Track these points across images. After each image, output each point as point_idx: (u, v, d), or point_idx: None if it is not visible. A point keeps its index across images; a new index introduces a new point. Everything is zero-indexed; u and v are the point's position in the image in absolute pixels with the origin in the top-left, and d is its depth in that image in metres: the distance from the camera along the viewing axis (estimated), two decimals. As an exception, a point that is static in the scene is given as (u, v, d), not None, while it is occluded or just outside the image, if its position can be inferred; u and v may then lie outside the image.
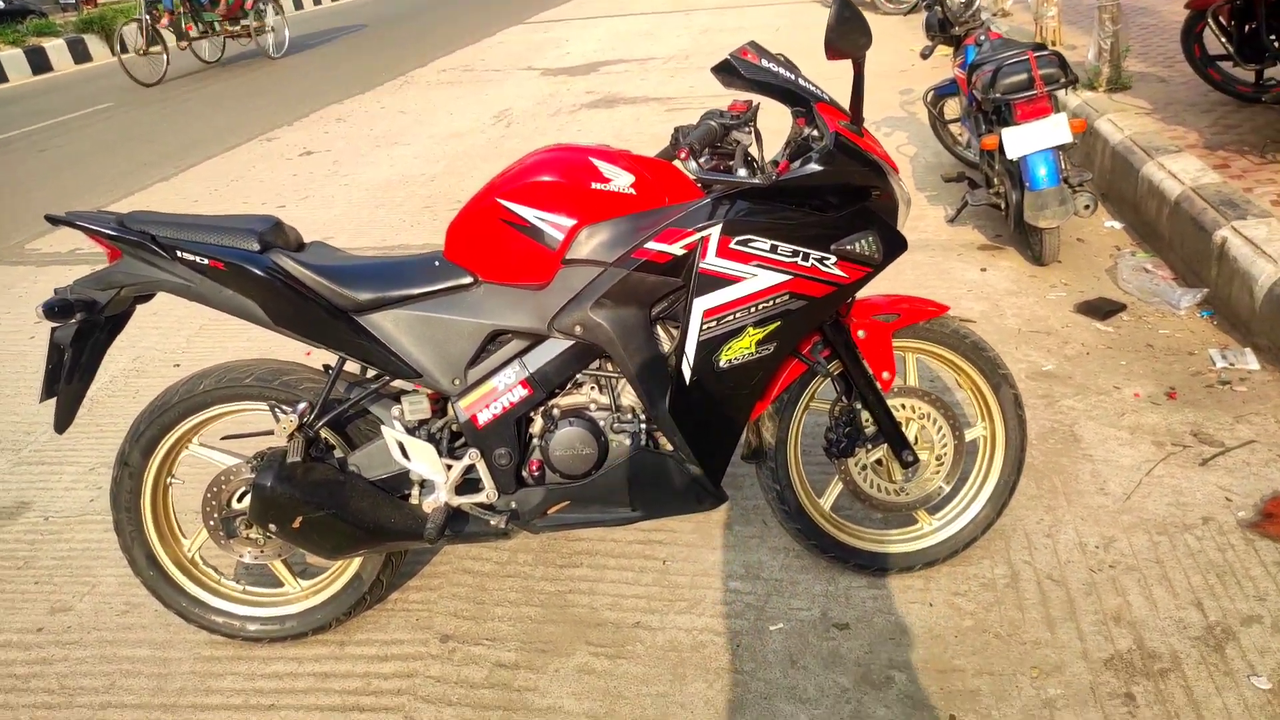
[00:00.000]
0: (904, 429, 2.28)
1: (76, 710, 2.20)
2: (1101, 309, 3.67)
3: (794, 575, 2.41)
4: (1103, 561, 2.34)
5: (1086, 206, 3.92)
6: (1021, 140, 3.84)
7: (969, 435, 2.36)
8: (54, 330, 2.08)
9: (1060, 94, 3.99)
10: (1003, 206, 4.27)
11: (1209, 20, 5.02)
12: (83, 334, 2.11)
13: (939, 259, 4.31)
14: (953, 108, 5.29)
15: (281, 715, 2.13)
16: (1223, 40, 5.02)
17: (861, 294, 2.20)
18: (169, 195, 6.75)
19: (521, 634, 2.30)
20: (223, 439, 2.34)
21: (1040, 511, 2.55)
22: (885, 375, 2.22)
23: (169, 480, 2.29)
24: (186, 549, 2.32)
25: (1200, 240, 3.71)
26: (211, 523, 2.22)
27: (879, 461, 2.32)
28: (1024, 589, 2.28)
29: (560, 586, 2.45)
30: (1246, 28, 4.89)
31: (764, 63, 2.02)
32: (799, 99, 2.06)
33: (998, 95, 3.87)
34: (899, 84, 7.57)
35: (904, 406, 2.29)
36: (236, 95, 10.85)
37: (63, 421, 2.18)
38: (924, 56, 5.04)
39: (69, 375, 2.12)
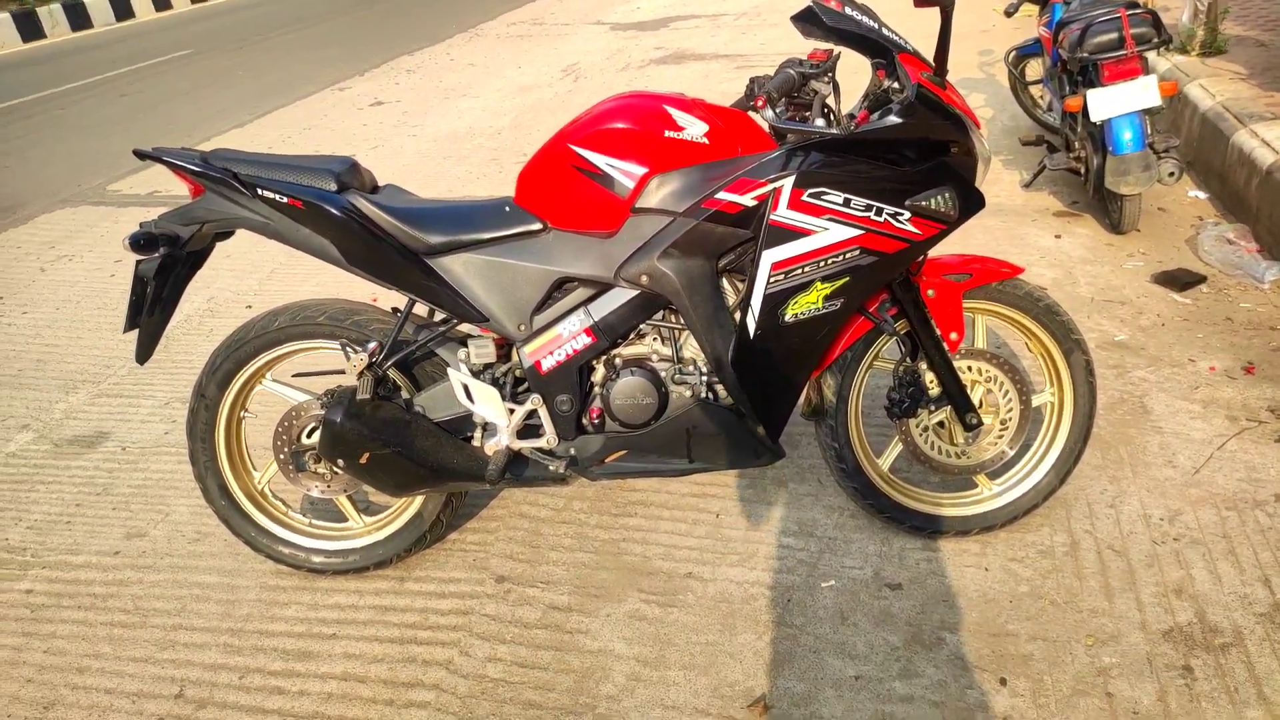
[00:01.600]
0: (969, 391, 2.25)
1: (150, 630, 2.31)
2: (1180, 280, 3.55)
3: (848, 534, 2.41)
4: (1167, 534, 2.29)
5: (1171, 174, 3.78)
6: (1108, 102, 3.71)
7: (1036, 401, 2.32)
8: (138, 263, 2.15)
9: (1151, 55, 3.84)
10: (1082, 171, 4.13)
11: (1315, -20, 4.76)
12: (165, 268, 2.18)
13: (1012, 224, 4.21)
14: (1035, 69, 5.13)
15: (342, 645, 2.21)
16: (1328, 2, 4.75)
17: (933, 252, 2.16)
18: (243, 141, 6.89)
19: (575, 578, 2.35)
20: (295, 376, 2.40)
21: (1105, 481, 2.50)
22: (953, 336, 2.19)
23: (243, 414, 2.36)
24: (257, 481, 2.40)
25: (1291, 212, 3.56)
26: (282, 456, 2.30)
27: (941, 424, 2.30)
28: (1083, 558, 2.25)
29: (614, 534, 2.49)
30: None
31: (847, 10, 1.98)
32: (881, 49, 2.01)
33: (1085, 54, 3.72)
34: (980, 44, 7.34)
35: (970, 369, 2.25)
36: (310, 45, 10.98)
37: (144, 352, 2.26)
38: (1008, 14, 4.87)
39: (151, 308, 2.20)
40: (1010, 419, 2.28)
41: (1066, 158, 4.22)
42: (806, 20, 1.99)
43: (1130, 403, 2.83)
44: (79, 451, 3.12)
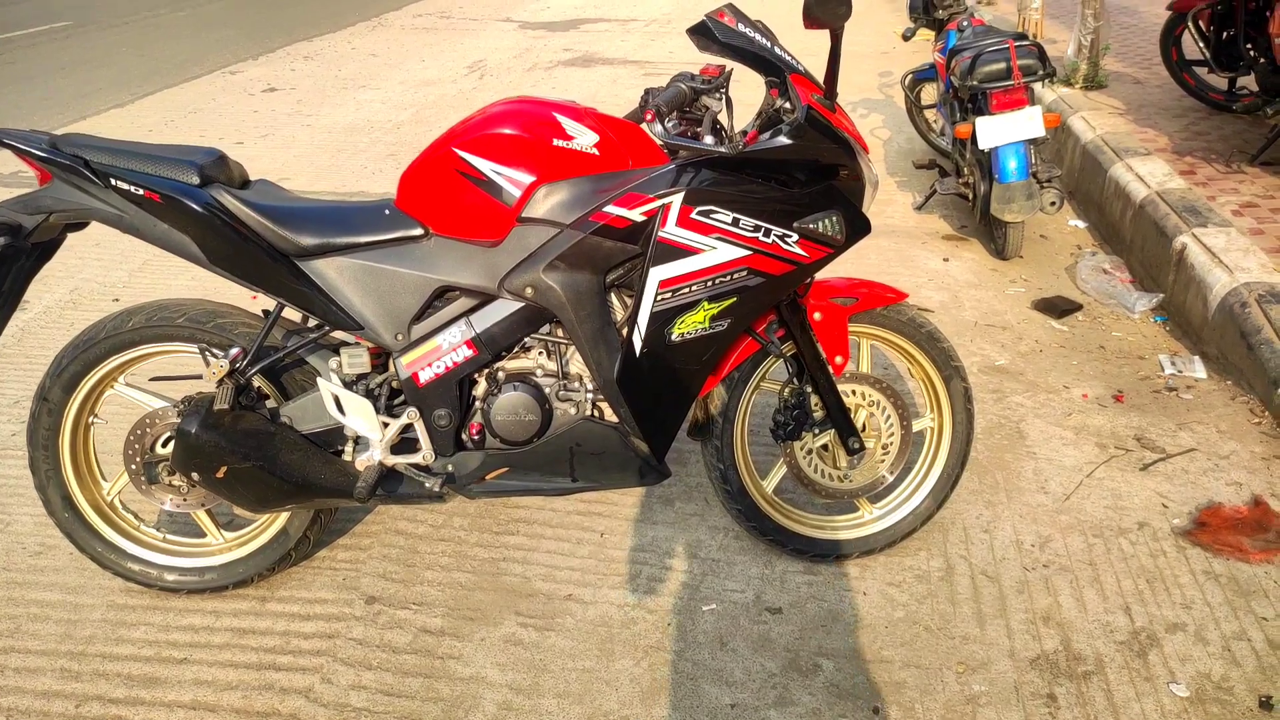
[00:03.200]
0: (853, 415, 2.25)
1: (-21, 652, 2.12)
2: (1058, 307, 3.68)
3: (731, 556, 2.39)
4: (1037, 560, 2.35)
5: (1053, 203, 3.91)
6: (995, 131, 3.82)
7: (916, 426, 2.34)
8: (-28, 255, 1.97)
9: (1037, 87, 3.97)
10: (970, 197, 4.25)
11: (1189, 24, 5.03)
12: (5, 259, 2.00)
13: (903, 245, 4.29)
14: (930, 93, 5.25)
15: (194, 670, 2.06)
16: (1200, 45, 5.02)
17: (821, 275, 2.16)
18: (123, 122, 6.51)
19: (450, 600, 2.25)
20: (151, 380, 2.24)
21: (980, 506, 2.55)
22: (838, 360, 2.19)
23: (91, 419, 2.19)
24: (106, 492, 2.23)
25: (1160, 245, 3.73)
26: (133, 467, 2.13)
27: (825, 446, 2.30)
28: (958, 583, 2.28)
29: (494, 554, 2.40)
30: (1225, 34, 4.90)
31: (740, 27, 1.95)
32: (774, 68, 2.00)
33: (975, 83, 3.83)
34: (879, 65, 7.52)
35: (854, 393, 2.26)
36: (202, 24, 10.50)
37: (-20, 350, 2.07)
38: (905, 38, 4.98)
39: None
40: (892, 443, 2.30)
41: (956, 182, 4.34)
42: (701, 34, 1.96)
43: (1007, 428, 2.90)
44: (-90, 453, 2.86)
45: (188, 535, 2.29)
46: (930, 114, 5.26)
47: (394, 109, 6.75)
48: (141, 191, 1.93)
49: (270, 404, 2.14)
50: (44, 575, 2.35)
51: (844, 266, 4.00)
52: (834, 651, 2.09)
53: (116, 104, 7.01)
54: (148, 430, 2.12)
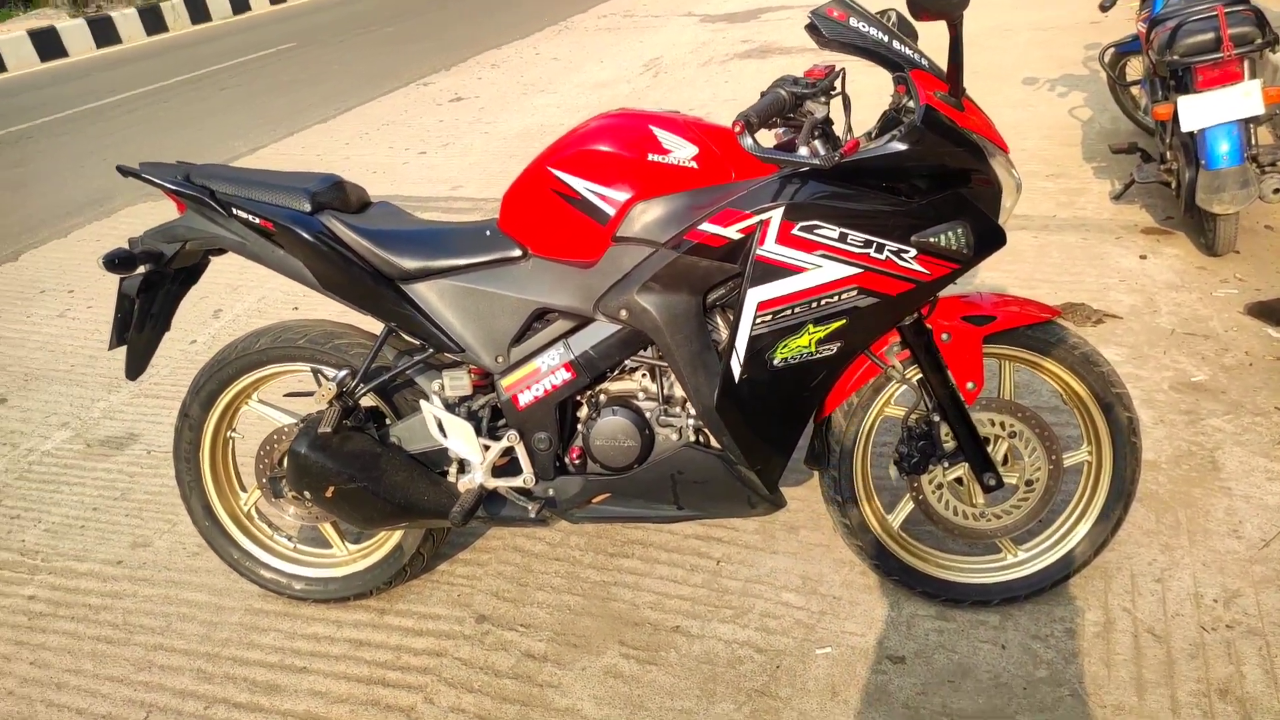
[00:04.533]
0: (990, 448, 2.01)
1: (132, 648, 2.30)
2: (1278, 312, 3.17)
3: (855, 594, 2.20)
4: (1219, 619, 2.01)
5: (1276, 190, 3.38)
6: (1200, 110, 3.34)
7: (1070, 460, 2.06)
8: (121, 280, 2.12)
9: (1258, 57, 3.43)
10: (1174, 185, 3.75)
11: None
12: (152, 284, 2.15)
13: (1094, 241, 3.86)
14: (1136, 68, 4.71)
15: (310, 680, 2.14)
16: None
17: (963, 288, 1.93)
18: (322, 137, 7.00)
19: (557, 623, 2.22)
20: (285, 396, 2.35)
21: (1155, 550, 2.22)
22: (970, 386, 1.96)
23: (230, 434, 2.32)
24: (243, 503, 2.36)
25: None
26: (263, 480, 2.24)
27: (959, 480, 2.07)
28: (1117, 641, 1.99)
29: (606, 577, 2.34)
30: None
31: (852, 21, 1.77)
32: (894, 64, 1.81)
33: (1176, 57, 3.36)
34: (1086, 37, 6.86)
35: (992, 422, 2.02)
36: (404, 39, 11.15)
37: (134, 369, 2.24)
38: (1103, 9, 4.47)
39: (140, 324, 2.17)
40: (1038, 479, 2.03)
41: (1158, 169, 3.84)
42: (813, 31, 1.80)
43: (1198, 456, 2.52)
44: (107, 453, 3.17)
45: (316, 546, 2.39)
46: (1136, 91, 4.71)
47: (567, 113, 6.85)
48: (258, 220, 2.01)
49: (386, 422, 2.18)
50: (197, 576, 2.52)
51: (1018, 266, 3.65)
52: (960, 712, 1.88)
53: (321, 119, 7.55)
54: (274, 446, 2.22)
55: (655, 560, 2.38)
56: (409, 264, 2.01)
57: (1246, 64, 3.33)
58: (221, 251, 2.18)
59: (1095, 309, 3.29)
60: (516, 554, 2.46)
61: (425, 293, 2.02)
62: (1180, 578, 2.13)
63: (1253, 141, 3.41)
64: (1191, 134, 3.44)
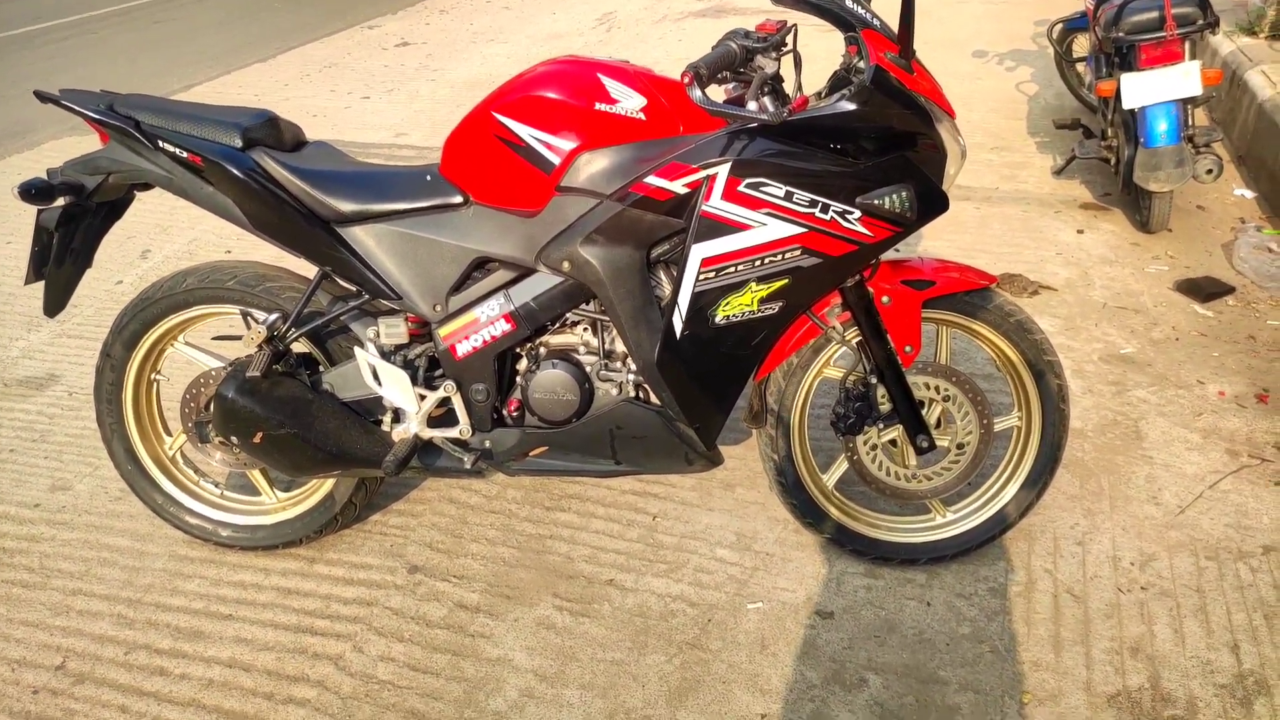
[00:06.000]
0: (924, 411, 2.04)
1: (49, 592, 2.23)
2: (1205, 290, 3.26)
3: (787, 551, 2.23)
4: (1134, 581, 2.08)
5: (1209, 171, 3.47)
6: (1142, 89, 3.40)
7: (1000, 425, 2.10)
8: (39, 212, 2.03)
9: (1199, 38, 3.49)
10: (1113, 161, 3.82)
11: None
12: (72, 217, 2.05)
13: (1034, 215, 3.92)
14: (1083, 44, 4.77)
15: (235, 627, 2.10)
16: None
17: (905, 253, 1.94)
18: (261, 76, 6.76)
19: (490, 575, 2.21)
20: (213, 339, 2.27)
21: (1078, 514, 2.28)
22: (908, 349, 1.98)
23: (154, 376, 2.24)
24: (168, 447, 2.29)
25: (1337, 222, 3.24)
26: (189, 425, 2.18)
27: (893, 442, 2.10)
28: (1037, 601, 2.05)
29: (542, 530, 2.34)
30: None
31: (804, -23, 1.75)
32: (846, 23, 1.79)
33: (1121, 34, 3.41)
34: (1037, 12, 6.92)
35: (927, 385, 2.04)
36: (351, -22, 10.77)
37: (53, 305, 2.14)
38: (1054, -16, 4.51)
39: (59, 259, 2.08)
40: (969, 443, 2.07)
41: (1099, 145, 3.91)
42: None
43: (1123, 426, 2.59)
44: (25, 394, 3.05)
45: (244, 493, 2.33)
46: (1081, 68, 4.78)
47: (517, 63, 6.71)
48: (185, 154, 1.92)
49: (319, 369, 2.13)
50: (119, 520, 2.45)
51: (960, 236, 3.69)
52: (884, 666, 1.92)
53: (261, 58, 7.28)
54: (201, 390, 2.15)
55: (591, 515, 2.38)
56: (345, 206, 1.95)
57: (1188, 44, 3.39)
58: (148, 186, 2.09)
59: (1032, 280, 3.35)
60: (451, 505, 2.44)
61: (362, 237, 1.96)
62: (1100, 541, 2.20)
63: (1190, 122, 3.48)
64: (1132, 112, 3.50)
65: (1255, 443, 2.50)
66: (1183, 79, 3.34)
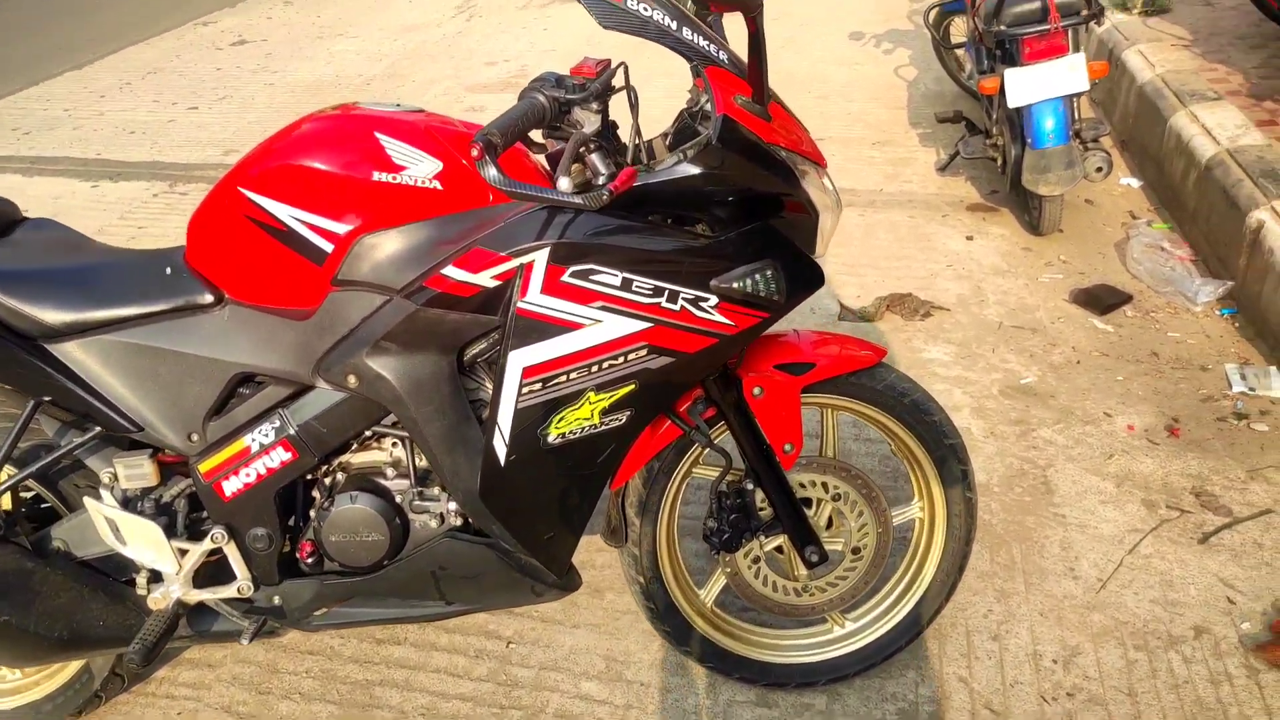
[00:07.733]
0: (812, 513, 1.71)
1: None
2: (1102, 300, 3.05)
3: (666, 677, 1.88)
4: (1059, 686, 1.81)
5: (1099, 169, 3.25)
6: (1027, 86, 3.14)
7: (900, 518, 1.79)
8: None
9: (1083, 29, 3.26)
10: (1000, 161, 3.58)
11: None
12: None
13: (921, 220, 3.65)
14: (960, 27, 4.53)
15: None
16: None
17: (775, 328, 1.58)
18: (73, 86, 6.01)
19: (303, 747, 1.79)
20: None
21: (990, 598, 2.00)
22: (788, 448, 1.63)
23: None
24: None
25: (1231, 219, 3.06)
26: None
27: (779, 549, 1.76)
28: (953, 719, 1.76)
29: (370, 674, 1.93)
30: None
31: (630, 3, 1.35)
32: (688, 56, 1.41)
33: (1003, 26, 3.14)
34: (912, -10, 6.71)
35: (813, 484, 1.71)
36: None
37: None
38: (928, -33, 4.25)
39: None
40: (865, 546, 1.75)
41: (984, 144, 3.66)
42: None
43: (1031, 477, 2.32)
44: None
45: (-19, 667, 1.85)
46: (960, 53, 4.54)
47: (368, 61, 6.15)
48: None
49: (49, 522, 1.66)
50: None
51: (845, 249, 3.40)
52: (782, 834, 1.59)
53: (74, 65, 6.49)
54: (-104, 555, 1.65)
55: (432, 646, 1.98)
56: (52, 317, 1.48)
57: (1070, 35, 3.15)
58: None
59: (924, 301, 3.07)
60: (260, 649, 2.00)
61: (78, 354, 1.50)
62: (1018, 633, 1.92)
63: (1076, 116, 3.26)
64: (1018, 109, 3.25)
65: (1171, 489, 2.26)
66: (1069, 73, 3.09)
